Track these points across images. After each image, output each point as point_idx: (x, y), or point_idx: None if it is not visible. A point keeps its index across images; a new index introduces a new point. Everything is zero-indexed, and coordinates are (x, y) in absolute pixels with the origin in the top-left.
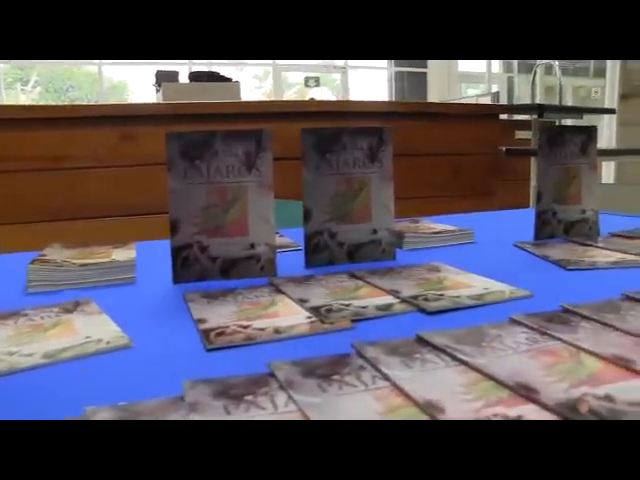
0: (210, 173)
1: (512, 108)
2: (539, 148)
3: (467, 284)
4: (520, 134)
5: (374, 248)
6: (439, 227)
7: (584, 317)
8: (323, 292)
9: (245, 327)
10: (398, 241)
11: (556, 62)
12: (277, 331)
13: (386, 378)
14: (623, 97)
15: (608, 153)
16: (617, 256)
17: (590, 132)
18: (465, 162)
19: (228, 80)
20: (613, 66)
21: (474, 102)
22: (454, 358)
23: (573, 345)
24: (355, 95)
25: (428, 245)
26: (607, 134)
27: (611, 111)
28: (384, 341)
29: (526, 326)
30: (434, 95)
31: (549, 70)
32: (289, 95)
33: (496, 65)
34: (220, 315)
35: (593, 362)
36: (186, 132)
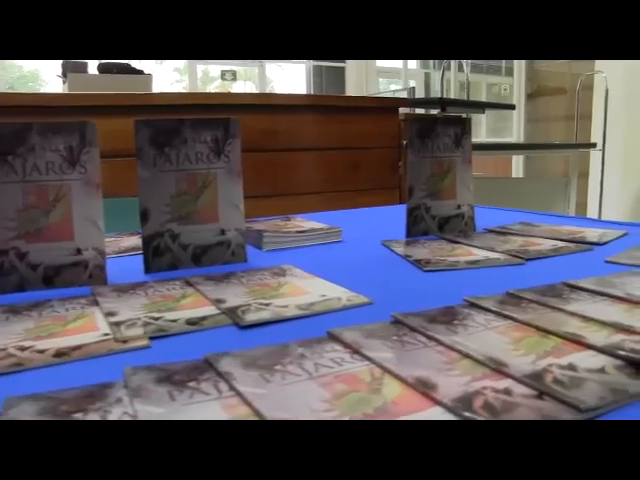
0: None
1: (414, 102)
2: (409, 140)
3: (305, 290)
4: None
5: (222, 250)
6: (308, 225)
7: (412, 329)
8: (140, 303)
9: (24, 349)
10: (259, 241)
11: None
12: (58, 354)
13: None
14: (530, 95)
15: (516, 147)
16: (482, 254)
17: (464, 124)
18: (365, 156)
19: (139, 72)
20: (520, 65)
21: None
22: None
23: (382, 367)
24: (276, 89)
25: (290, 245)
26: (516, 130)
27: (511, 107)
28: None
29: (342, 343)
30: (352, 90)
31: (462, 67)
32: (211, 89)
33: (413, 61)
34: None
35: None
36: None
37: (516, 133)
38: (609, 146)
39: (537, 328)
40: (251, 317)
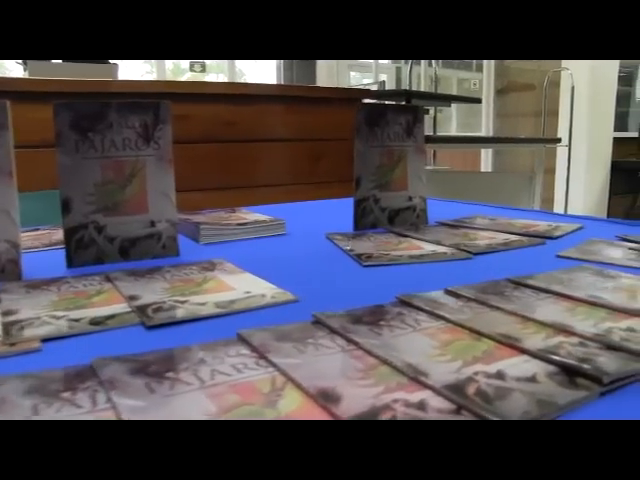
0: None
1: (378, 94)
2: (357, 128)
3: (230, 287)
4: None
5: (152, 243)
6: (251, 218)
7: (332, 331)
8: (48, 300)
9: None
10: (196, 234)
11: None
12: None
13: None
14: (500, 91)
15: (481, 141)
16: (429, 248)
17: (416, 112)
18: (327, 148)
19: (104, 62)
20: (489, 62)
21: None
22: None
23: (286, 375)
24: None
25: (229, 238)
26: (485, 125)
27: (477, 100)
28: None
29: (250, 346)
30: (324, 83)
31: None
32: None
33: None
34: None
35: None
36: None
37: (485, 128)
38: (575, 142)
39: (470, 330)
40: (160, 316)
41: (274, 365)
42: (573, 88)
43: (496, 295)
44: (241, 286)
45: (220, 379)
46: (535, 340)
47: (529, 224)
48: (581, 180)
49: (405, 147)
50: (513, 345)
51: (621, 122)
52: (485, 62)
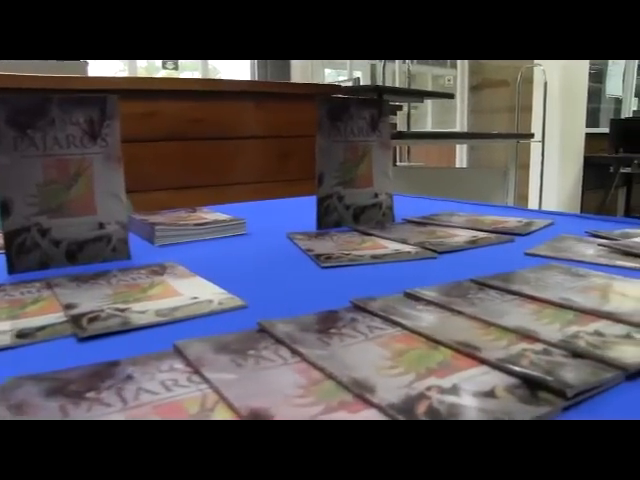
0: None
1: (348, 89)
2: (318, 123)
3: (177, 292)
4: None
5: (102, 246)
6: (211, 217)
7: (277, 340)
8: None
9: None
10: (151, 236)
11: None
12: None
13: None
14: (475, 87)
15: (454, 136)
16: (393, 247)
17: (380, 106)
18: (296, 145)
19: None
20: None
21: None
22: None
23: (218, 393)
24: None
25: (186, 239)
26: (459, 121)
27: (450, 96)
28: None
29: (185, 360)
30: (297, 80)
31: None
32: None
33: None
34: None
35: None
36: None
37: (459, 124)
38: (548, 137)
39: (427, 338)
40: (95, 327)
41: (207, 381)
42: (546, 84)
43: (459, 297)
44: (189, 291)
45: (145, 399)
46: (496, 348)
47: (499, 220)
48: (555, 175)
49: (370, 142)
50: (472, 355)
51: (593, 118)
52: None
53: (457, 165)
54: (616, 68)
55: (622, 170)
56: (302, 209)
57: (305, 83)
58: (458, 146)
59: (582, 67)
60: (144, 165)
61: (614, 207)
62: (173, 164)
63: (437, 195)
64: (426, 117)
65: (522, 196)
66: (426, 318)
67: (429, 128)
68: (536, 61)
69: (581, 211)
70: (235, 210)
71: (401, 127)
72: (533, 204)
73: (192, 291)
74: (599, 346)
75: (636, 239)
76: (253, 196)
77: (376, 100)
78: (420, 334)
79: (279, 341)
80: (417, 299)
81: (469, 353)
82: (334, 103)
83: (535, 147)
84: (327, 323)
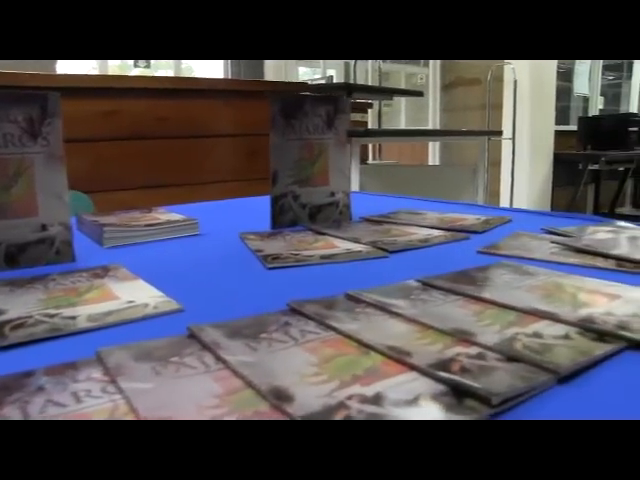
0: None
1: (316, 87)
2: (272, 120)
3: (115, 296)
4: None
5: (44, 249)
6: (165, 218)
7: (204, 346)
8: None
9: None
10: (100, 237)
11: None
12: None
13: None
14: (448, 86)
15: (424, 134)
16: (344, 247)
17: (336, 103)
18: (265, 143)
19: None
20: None
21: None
22: None
23: (130, 404)
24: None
25: (136, 240)
26: (432, 119)
27: (419, 94)
28: None
29: (104, 368)
30: (271, 78)
31: None
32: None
33: None
34: None
35: None
36: None
37: (432, 122)
38: (519, 135)
39: (359, 342)
40: (18, 334)
41: (121, 391)
42: (516, 82)
43: (401, 299)
44: (126, 295)
45: (52, 412)
46: (429, 353)
47: (457, 218)
48: (525, 172)
49: (326, 140)
50: (402, 360)
51: (563, 116)
52: None
53: (430, 163)
54: (582, 67)
55: (590, 167)
56: (261, 208)
57: (272, 81)
58: (431, 144)
59: (551, 66)
60: (108, 164)
61: (584, 203)
62: (138, 163)
63: (407, 193)
64: (400, 115)
65: (494, 193)
66: (362, 321)
67: (403, 126)
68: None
69: (551, 207)
70: (193, 210)
71: (372, 125)
72: (504, 201)
73: (130, 294)
74: (535, 349)
75: (591, 235)
76: (219, 195)
77: (332, 97)
78: (352, 338)
79: (206, 347)
80: (358, 301)
81: (399, 359)
82: (288, 100)
83: (506, 144)
84: (259, 327)
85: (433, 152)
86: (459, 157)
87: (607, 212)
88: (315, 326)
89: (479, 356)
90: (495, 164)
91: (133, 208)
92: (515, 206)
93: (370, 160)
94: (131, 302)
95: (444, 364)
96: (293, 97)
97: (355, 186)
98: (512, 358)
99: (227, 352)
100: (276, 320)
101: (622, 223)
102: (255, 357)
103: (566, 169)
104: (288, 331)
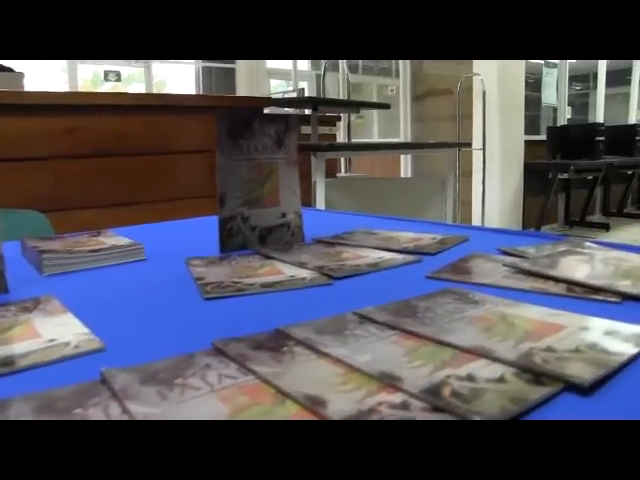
0: None
1: (282, 101)
2: (218, 140)
3: (37, 334)
4: (306, 129)
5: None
6: (111, 242)
7: (114, 395)
8: None
9: None
10: (40, 264)
11: (344, 62)
12: None
13: None
14: (418, 96)
15: (392, 147)
16: (289, 273)
17: (287, 121)
18: None
19: (8, 70)
20: (405, 67)
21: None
22: None
23: None
24: (168, 91)
25: (78, 267)
26: (403, 131)
27: (386, 106)
28: None
29: None
30: (243, 91)
31: (354, 69)
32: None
33: (305, 63)
34: None
35: None
36: None
37: (403, 133)
38: (489, 145)
39: (277, 389)
40: None
41: None
42: (484, 93)
43: (332, 334)
44: (49, 332)
45: None
46: (348, 402)
47: (413, 238)
48: (497, 182)
49: (276, 159)
50: (316, 412)
51: (533, 126)
52: (401, 68)
53: (402, 174)
54: (550, 78)
55: (560, 176)
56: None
57: (237, 96)
58: (402, 156)
59: (519, 76)
60: (69, 182)
61: (555, 212)
62: (101, 181)
63: (377, 206)
64: (372, 127)
65: (466, 203)
66: (285, 363)
67: (376, 137)
68: (475, 70)
69: (523, 216)
70: (146, 231)
71: (342, 138)
72: (476, 211)
73: (53, 332)
74: (464, 396)
75: (546, 257)
76: (190, 212)
77: (282, 115)
78: (270, 384)
79: (115, 395)
80: (288, 337)
81: (314, 410)
82: (235, 119)
83: (477, 155)
84: (176, 371)
85: (405, 163)
86: (431, 168)
87: (578, 220)
88: (236, 369)
89: (403, 405)
90: (467, 174)
91: (101, 227)
92: (487, 215)
93: (343, 173)
94: (52, 340)
95: (362, 416)
96: (240, 117)
97: (321, 201)
98: (437, 408)
99: (134, 402)
100: (197, 362)
101: (579, 241)
102: (162, 408)
103: (537, 178)
104: (205, 375)
